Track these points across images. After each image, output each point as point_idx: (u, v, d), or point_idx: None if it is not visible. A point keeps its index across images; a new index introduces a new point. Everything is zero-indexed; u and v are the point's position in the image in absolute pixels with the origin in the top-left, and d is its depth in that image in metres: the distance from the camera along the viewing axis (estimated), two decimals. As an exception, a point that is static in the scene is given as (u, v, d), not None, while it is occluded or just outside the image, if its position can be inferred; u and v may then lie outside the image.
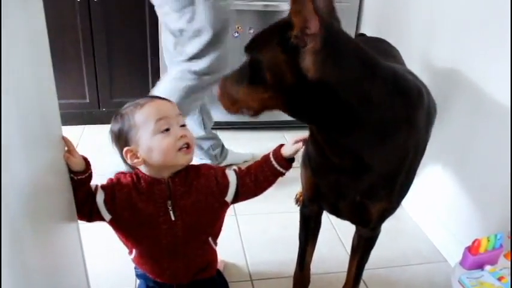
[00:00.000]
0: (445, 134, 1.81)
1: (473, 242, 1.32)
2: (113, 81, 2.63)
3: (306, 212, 1.36)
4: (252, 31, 2.46)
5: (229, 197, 1.26)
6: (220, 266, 1.56)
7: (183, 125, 1.19)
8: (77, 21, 2.45)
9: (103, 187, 1.20)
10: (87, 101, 2.66)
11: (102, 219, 1.21)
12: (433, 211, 1.90)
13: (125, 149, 1.17)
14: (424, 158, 1.93)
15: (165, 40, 1.98)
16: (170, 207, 1.19)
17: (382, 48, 1.56)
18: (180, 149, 1.15)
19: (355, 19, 2.55)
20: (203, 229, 1.26)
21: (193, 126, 2.11)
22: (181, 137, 1.15)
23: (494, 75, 1.52)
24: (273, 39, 0.93)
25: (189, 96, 1.83)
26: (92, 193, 1.18)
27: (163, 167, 1.18)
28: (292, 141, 1.26)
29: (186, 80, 1.82)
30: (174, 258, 1.26)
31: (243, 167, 1.31)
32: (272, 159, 1.27)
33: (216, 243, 1.34)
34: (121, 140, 1.19)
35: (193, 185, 1.21)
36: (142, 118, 1.15)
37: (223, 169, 1.29)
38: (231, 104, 1.06)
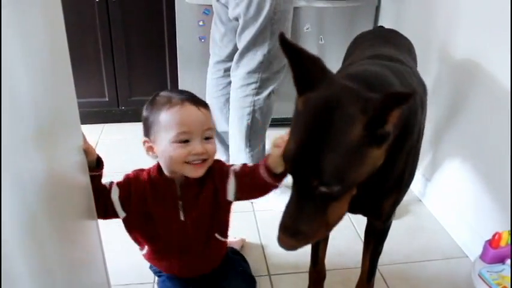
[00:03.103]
0: (464, 128, 1.79)
1: (494, 235, 1.30)
2: (131, 79, 2.66)
3: None
4: (308, 29, 2.47)
5: (230, 197, 1.26)
6: (238, 245, 1.65)
7: (209, 138, 1.15)
8: (95, 21, 2.49)
9: (118, 184, 1.20)
10: (107, 99, 2.69)
11: (116, 216, 1.21)
12: (454, 207, 1.88)
13: (144, 139, 1.18)
14: (444, 153, 1.92)
15: (213, 31, 2.03)
16: (180, 208, 1.21)
17: (391, 37, 1.58)
18: (189, 162, 1.13)
19: (374, 11, 2.53)
20: (210, 226, 1.27)
21: (220, 121, 2.11)
22: (197, 154, 1.12)
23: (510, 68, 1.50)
24: (361, 150, 0.83)
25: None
26: (104, 190, 1.18)
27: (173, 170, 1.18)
28: (273, 144, 1.13)
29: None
30: (185, 255, 1.29)
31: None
32: (261, 172, 1.19)
33: (225, 236, 1.37)
34: (145, 127, 1.19)
35: (204, 185, 1.21)
36: (166, 121, 1.12)
37: (227, 170, 1.25)
38: (323, 232, 0.93)
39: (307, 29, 2.48)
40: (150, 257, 1.35)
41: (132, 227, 1.26)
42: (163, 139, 1.13)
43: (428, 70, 1.97)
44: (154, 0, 2.50)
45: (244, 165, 1.26)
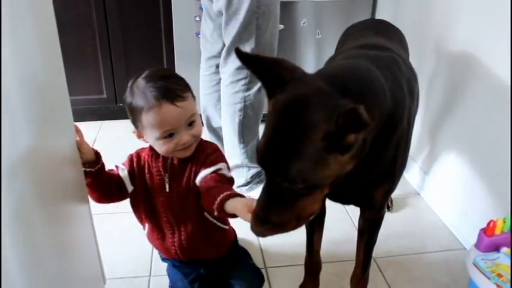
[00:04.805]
0: (461, 121, 1.79)
1: (488, 224, 1.29)
2: (129, 76, 2.59)
3: None
4: (305, 23, 2.47)
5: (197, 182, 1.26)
6: None
7: (192, 122, 1.19)
8: (92, 17, 2.49)
9: (124, 163, 1.30)
10: (105, 96, 2.69)
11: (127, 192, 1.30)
12: (451, 199, 1.87)
13: (133, 129, 1.25)
14: (441, 146, 1.92)
15: (203, 27, 2.01)
16: (167, 180, 1.26)
17: (382, 28, 1.57)
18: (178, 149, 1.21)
19: (371, 4, 2.52)
20: (195, 203, 1.26)
21: (215, 117, 2.08)
22: (184, 144, 1.18)
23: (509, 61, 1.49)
24: (323, 156, 0.82)
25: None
26: (113, 175, 1.27)
27: None
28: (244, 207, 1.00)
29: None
30: (175, 232, 1.32)
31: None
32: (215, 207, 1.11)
33: (225, 223, 1.40)
34: (130, 117, 1.23)
35: (193, 161, 1.25)
36: (148, 122, 1.17)
37: (212, 163, 1.24)
38: (295, 224, 0.93)
39: (304, 23, 2.48)
40: (149, 236, 1.39)
41: (136, 201, 1.33)
42: (149, 136, 1.21)
43: (425, 63, 1.97)
44: (150, -5, 2.50)
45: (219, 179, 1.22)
